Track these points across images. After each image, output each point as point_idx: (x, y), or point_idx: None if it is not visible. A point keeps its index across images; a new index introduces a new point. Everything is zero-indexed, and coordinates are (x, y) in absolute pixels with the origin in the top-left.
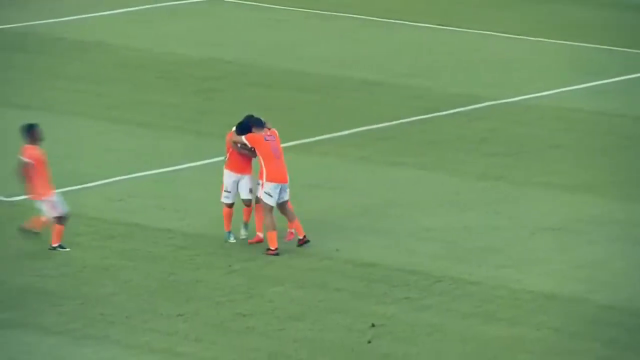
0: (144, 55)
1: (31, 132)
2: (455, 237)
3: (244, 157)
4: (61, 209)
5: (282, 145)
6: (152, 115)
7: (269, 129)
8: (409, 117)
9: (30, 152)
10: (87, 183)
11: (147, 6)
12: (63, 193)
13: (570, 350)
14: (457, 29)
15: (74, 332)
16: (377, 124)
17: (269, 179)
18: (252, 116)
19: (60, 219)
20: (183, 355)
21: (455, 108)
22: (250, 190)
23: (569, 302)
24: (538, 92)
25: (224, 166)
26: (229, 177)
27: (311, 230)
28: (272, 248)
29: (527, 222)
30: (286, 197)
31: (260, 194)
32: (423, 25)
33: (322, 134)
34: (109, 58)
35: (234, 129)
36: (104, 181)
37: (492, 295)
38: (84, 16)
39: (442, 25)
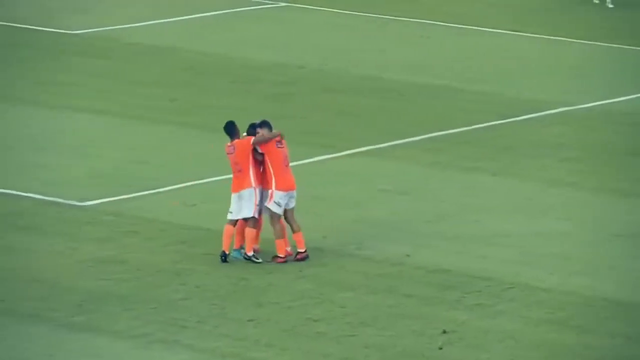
0: (217, 60)
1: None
2: (528, 243)
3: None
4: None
5: (356, 150)
6: (225, 120)
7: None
8: (483, 123)
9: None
10: (159, 188)
11: (219, 12)
12: (136, 198)
13: None
14: (527, 34)
15: (146, 337)
16: (450, 129)
17: (278, 188)
18: (254, 123)
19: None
20: None
21: (529, 114)
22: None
23: None
24: (612, 98)
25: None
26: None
27: (383, 235)
28: (281, 255)
29: (599, 229)
30: (293, 204)
31: (269, 204)
32: (493, 30)
33: (395, 139)
34: (181, 63)
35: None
36: (177, 186)
37: (564, 302)
38: (157, 21)
39: (512, 31)
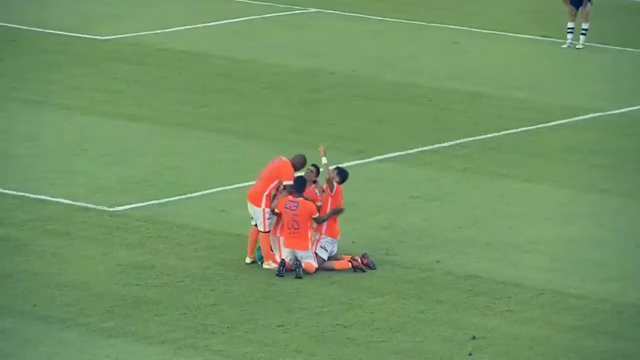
0: (249, 67)
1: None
2: (559, 249)
3: None
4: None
5: (386, 156)
6: (257, 126)
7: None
8: (515, 129)
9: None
10: (190, 193)
11: (251, 17)
12: (166, 203)
13: None
14: (558, 40)
15: (175, 342)
16: (482, 135)
17: (327, 234)
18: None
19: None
20: None
21: (560, 119)
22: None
23: None
24: None
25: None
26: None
27: (413, 241)
28: (356, 260)
29: (632, 235)
30: (336, 250)
31: (317, 249)
32: (524, 36)
33: (426, 145)
34: (213, 69)
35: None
36: (207, 191)
37: (596, 309)
38: (189, 27)
39: (544, 37)
